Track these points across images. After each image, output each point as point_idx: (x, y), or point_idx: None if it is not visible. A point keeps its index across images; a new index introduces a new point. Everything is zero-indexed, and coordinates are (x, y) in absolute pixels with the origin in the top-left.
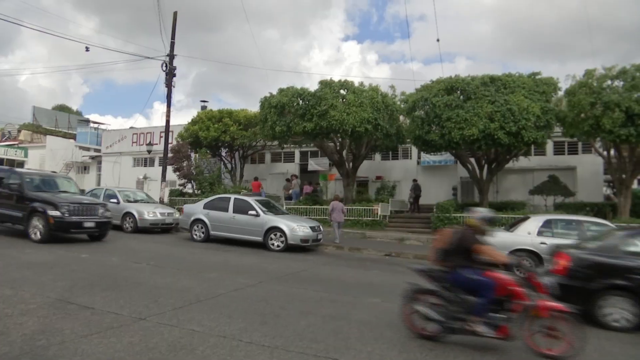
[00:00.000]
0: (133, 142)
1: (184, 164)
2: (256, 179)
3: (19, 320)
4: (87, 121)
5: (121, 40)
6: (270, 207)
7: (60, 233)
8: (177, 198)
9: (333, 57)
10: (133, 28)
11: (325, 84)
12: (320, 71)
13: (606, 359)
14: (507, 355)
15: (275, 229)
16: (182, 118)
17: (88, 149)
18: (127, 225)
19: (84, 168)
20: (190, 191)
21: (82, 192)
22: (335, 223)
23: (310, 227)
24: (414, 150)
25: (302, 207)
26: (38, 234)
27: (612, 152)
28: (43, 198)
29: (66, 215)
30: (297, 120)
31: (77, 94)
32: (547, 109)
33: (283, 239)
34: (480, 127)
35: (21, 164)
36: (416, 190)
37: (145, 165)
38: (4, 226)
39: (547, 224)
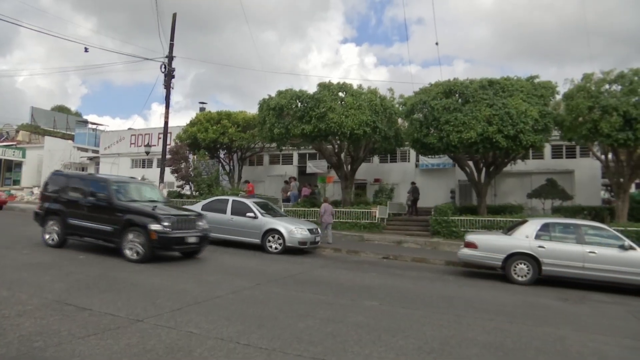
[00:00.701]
0: (131, 144)
1: (182, 166)
2: (247, 182)
3: (16, 322)
4: (86, 122)
5: (119, 41)
6: (268, 209)
7: (162, 251)
8: (175, 199)
9: (331, 60)
10: (131, 29)
11: (323, 87)
12: (318, 73)
13: None
14: (510, 357)
15: (273, 231)
16: (180, 119)
17: (86, 150)
18: None
19: (82, 169)
20: (188, 193)
21: (168, 200)
22: (327, 225)
23: (308, 230)
24: (412, 153)
25: (300, 209)
26: (136, 252)
27: (610, 155)
28: (139, 209)
29: (169, 229)
30: (296, 123)
31: (76, 95)
32: (545, 112)
33: (281, 241)
34: (478, 130)
35: (19, 165)
36: (414, 193)
37: (143, 167)
38: (83, 241)
39: (545, 227)
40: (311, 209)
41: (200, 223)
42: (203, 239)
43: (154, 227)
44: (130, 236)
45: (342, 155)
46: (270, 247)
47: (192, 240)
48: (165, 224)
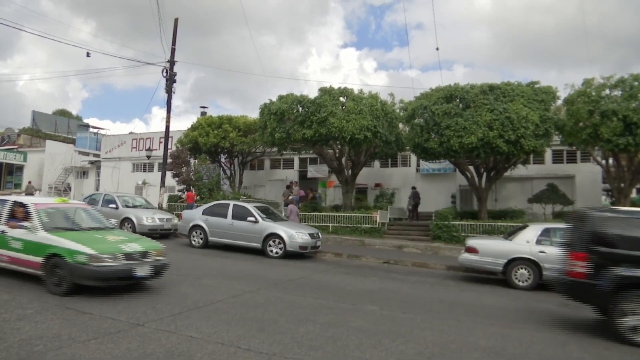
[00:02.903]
0: (132, 148)
1: (183, 170)
2: (188, 189)
3: (16, 325)
4: (87, 126)
5: (118, 44)
6: (269, 213)
7: None
8: (176, 204)
9: (331, 64)
10: (130, 32)
11: (324, 91)
12: (317, 78)
13: None
14: None
15: (273, 236)
16: (180, 123)
17: (87, 154)
18: (126, 230)
19: (83, 173)
20: None
21: None
22: None
23: (309, 234)
24: (413, 158)
25: (301, 213)
26: None
27: (610, 160)
28: None
29: None
30: (297, 127)
31: (77, 99)
32: (546, 117)
33: (282, 245)
34: (479, 135)
35: (20, 168)
36: (415, 197)
37: (144, 171)
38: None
39: (546, 232)
40: (312, 213)
41: None
42: None
43: None
44: None
45: (343, 159)
46: (271, 251)
47: None
48: None
